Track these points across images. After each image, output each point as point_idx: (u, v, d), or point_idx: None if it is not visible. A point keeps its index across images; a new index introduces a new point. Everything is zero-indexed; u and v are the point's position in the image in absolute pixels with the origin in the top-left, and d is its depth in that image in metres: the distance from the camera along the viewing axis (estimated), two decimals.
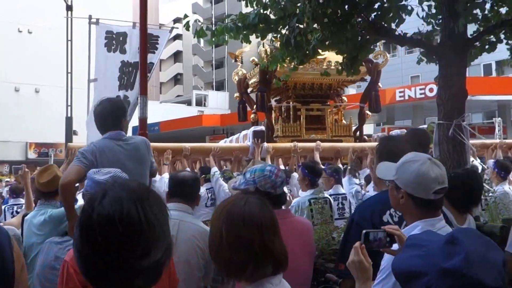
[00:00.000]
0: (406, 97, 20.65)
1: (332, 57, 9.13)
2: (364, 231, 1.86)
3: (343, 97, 10.56)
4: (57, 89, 19.67)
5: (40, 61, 23.83)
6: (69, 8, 15.41)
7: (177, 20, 50.60)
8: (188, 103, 40.09)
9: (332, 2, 4.49)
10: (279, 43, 7.02)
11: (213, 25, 4.91)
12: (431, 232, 1.73)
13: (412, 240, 1.64)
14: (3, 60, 23.83)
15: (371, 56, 8.87)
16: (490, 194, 4.55)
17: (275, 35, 5.13)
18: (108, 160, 3.42)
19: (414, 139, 3.66)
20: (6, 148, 21.95)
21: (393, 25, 5.05)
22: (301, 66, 8.76)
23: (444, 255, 1.41)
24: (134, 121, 7.00)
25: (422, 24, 5.41)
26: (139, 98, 4.42)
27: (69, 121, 14.77)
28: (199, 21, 5.17)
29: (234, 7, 37.16)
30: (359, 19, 4.86)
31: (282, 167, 7.18)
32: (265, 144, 7.34)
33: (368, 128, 26.55)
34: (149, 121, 4.72)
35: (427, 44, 5.02)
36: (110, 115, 3.61)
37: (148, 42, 5.17)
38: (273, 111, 9.77)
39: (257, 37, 5.07)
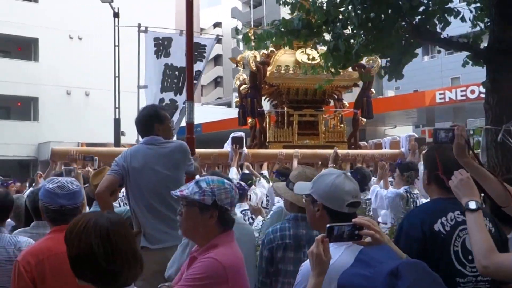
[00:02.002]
0: (447, 99, 20.10)
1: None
2: (328, 225, 1.82)
3: (344, 103, 10.29)
4: (106, 92, 20.28)
5: (90, 66, 24.65)
6: (116, 15, 15.88)
7: (217, 25, 51.14)
8: (229, 105, 40.40)
9: (376, 7, 4.49)
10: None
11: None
12: (384, 250, 1.70)
13: (363, 255, 1.62)
14: (56, 65, 24.85)
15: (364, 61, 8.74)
16: None
17: (317, 40, 5.18)
18: (138, 163, 3.51)
19: None
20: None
21: (438, 28, 4.99)
22: (291, 71, 8.92)
23: (384, 287, 1.38)
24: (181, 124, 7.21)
25: (469, 26, 5.30)
26: (186, 103, 4.54)
27: (117, 122, 15.19)
28: (245, 27, 5.28)
29: (273, 10, 37.23)
30: (403, 23, 4.84)
31: (265, 172, 7.19)
32: (245, 150, 7.29)
33: (407, 130, 26.08)
34: None
35: (474, 48, 4.90)
36: (143, 121, 3.73)
37: (196, 51, 5.30)
38: (269, 116, 9.75)
39: (299, 42, 5.13)
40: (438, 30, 4.95)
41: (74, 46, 25.64)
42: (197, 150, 7.33)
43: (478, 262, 1.95)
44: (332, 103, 10.33)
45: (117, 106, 15.28)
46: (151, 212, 3.46)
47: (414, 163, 6.15)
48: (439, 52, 29.12)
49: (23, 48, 26.57)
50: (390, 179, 6.32)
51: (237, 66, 10.15)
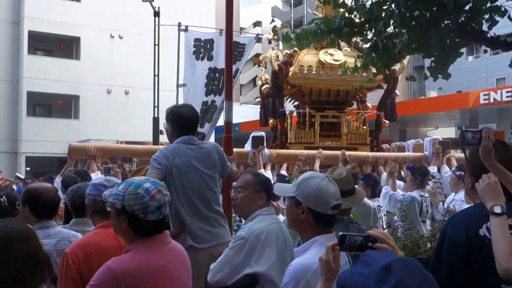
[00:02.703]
0: (491, 100, 19.52)
1: (348, 63, 9.01)
2: (340, 233, 1.85)
3: (367, 104, 10.13)
4: (145, 91, 20.62)
5: (130, 64, 25.16)
6: (156, 14, 16.13)
7: (256, 24, 51.25)
8: None
9: (420, 5, 4.38)
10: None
11: (291, 28, 4.92)
12: (390, 254, 1.68)
13: (366, 256, 1.65)
14: (97, 64, 25.45)
15: None
16: None
17: (360, 38, 5.09)
18: (181, 161, 3.48)
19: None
20: None
21: (484, 27, 4.83)
22: (314, 72, 8.80)
23: (376, 280, 1.43)
24: (219, 123, 7.24)
25: None
26: (224, 103, 4.54)
27: (156, 121, 15.42)
28: (285, 26, 5.23)
29: (313, 9, 36.99)
30: (448, 22, 4.70)
31: (284, 172, 7.10)
32: (266, 151, 7.18)
33: (449, 132, 25.45)
34: None
35: None
36: (194, 120, 3.74)
37: (235, 50, 5.30)
38: (291, 117, 9.65)
39: (342, 41, 5.06)
40: (484, 28, 4.79)
41: (115, 45, 26.19)
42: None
43: (500, 265, 1.98)
44: (354, 105, 10.26)
45: (156, 104, 15.52)
46: (194, 211, 3.47)
47: (425, 166, 6.07)
48: (485, 51, 28.26)
49: (65, 46, 27.28)
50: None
51: (259, 65, 10.12)
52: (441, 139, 8.15)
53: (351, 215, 3.04)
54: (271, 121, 9.53)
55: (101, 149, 6.49)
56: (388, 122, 9.62)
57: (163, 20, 15.82)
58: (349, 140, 9.18)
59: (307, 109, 9.29)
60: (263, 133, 7.46)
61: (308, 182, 2.23)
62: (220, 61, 5.92)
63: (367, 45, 5.15)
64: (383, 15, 4.66)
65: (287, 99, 10.46)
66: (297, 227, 2.32)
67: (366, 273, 1.50)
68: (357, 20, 4.91)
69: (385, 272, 1.43)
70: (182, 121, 3.67)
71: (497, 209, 2.06)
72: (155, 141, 14.96)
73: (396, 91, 9.66)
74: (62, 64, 25.93)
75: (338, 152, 7.38)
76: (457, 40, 4.83)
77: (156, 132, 15.24)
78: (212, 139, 7.20)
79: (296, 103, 10.46)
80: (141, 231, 2.15)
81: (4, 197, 3.35)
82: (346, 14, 4.87)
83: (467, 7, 4.68)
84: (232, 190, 3.27)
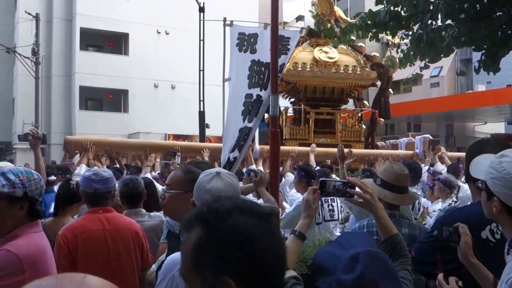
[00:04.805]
0: None
1: (342, 61, 8.99)
2: (320, 179, 2.03)
3: (364, 102, 10.18)
4: (191, 85, 20.92)
5: (176, 60, 25.58)
6: (201, 10, 16.34)
7: (299, 18, 50.93)
8: None
9: None
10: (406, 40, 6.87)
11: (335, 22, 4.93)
12: (364, 238, 1.75)
13: (342, 238, 1.72)
14: (145, 59, 26.01)
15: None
16: None
17: (406, 32, 5.02)
18: None
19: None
20: (148, 139, 23.84)
21: None
22: (308, 69, 8.71)
23: (344, 267, 1.50)
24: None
25: None
26: (270, 97, 4.57)
27: (201, 115, 15.63)
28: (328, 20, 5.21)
29: (356, 2, 36.42)
30: (500, 13, 4.58)
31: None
32: (257, 146, 7.19)
33: (498, 126, 24.48)
34: None
35: None
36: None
37: (280, 44, 5.34)
38: (286, 113, 9.70)
39: (387, 35, 5.01)
40: None
41: (162, 40, 26.70)
42: (208, 145, 7.30)
43: None
44: (349, 102, 10.36)
45: (201, 99, 15.73)
46: None
47: (418, 165, 6.01)
48: None
49: (114, 42, 28.02)
50: None
51: None
52: (431, 137, 8.25)
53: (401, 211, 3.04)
54: (266, 117, 9.54)
55: (96, 143, 6.66)
56: (382, 120, 9.64)
57: (208, 16, 16.02)
58: (344, 137, 9.25)
59: (302, 105, 9.33)
60: None
61: (200, 176, 2.22)
62: (263, 55, 5.94)
63: (407, 40, 5.10)
64: (430, 8, 4.58)
65: (283, 96, 10.54)
66: None
67: (338, 256, 1.57)
68: (403, 14, 4.84)
69: (353, 262, 1.51)
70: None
71: None
72: (201, 135, 15.20)
73: (390, 89, 9.84)
74: (112, 59, 26.63)
75: (330, 149, 7.55)
76: (509, 32, 4.70)
77: (202, 125, 15.45)
78: (256, 133, 7.33)
79: (291, 99, 10.57)
80: (36, 215, 2.28)
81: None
82: (392, 8, 4.82)
83: None
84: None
